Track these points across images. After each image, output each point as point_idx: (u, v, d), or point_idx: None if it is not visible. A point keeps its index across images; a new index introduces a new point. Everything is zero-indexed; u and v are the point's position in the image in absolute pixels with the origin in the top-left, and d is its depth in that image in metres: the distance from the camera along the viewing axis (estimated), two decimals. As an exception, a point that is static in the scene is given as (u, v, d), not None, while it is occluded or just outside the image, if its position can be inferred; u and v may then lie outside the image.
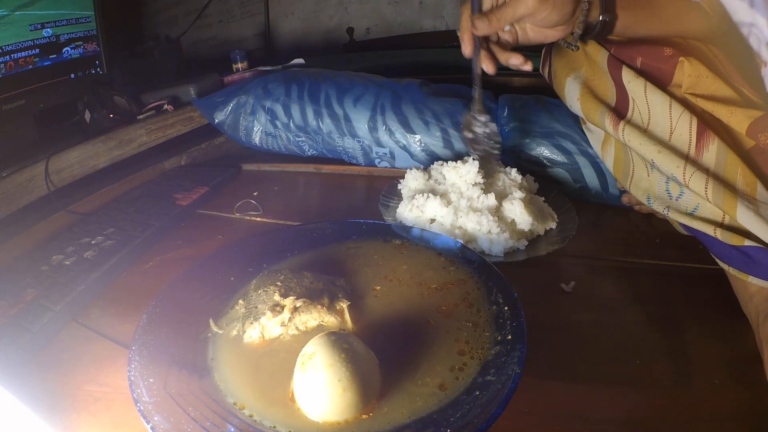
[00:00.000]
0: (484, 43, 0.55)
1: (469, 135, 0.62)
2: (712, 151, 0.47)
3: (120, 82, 0.98)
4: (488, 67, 0.54)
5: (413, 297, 0.48)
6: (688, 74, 0.50)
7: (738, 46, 0.51)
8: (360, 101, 0.85)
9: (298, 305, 0.43)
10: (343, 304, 0.45)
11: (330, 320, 0.44)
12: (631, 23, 0.52)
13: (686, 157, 0.48)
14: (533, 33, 0.54)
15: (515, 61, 0.54)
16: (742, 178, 0.45)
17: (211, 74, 1.09)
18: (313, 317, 0.43)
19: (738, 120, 0.46)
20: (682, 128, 0.49)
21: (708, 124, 0.48)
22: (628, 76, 0.53)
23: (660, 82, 0.52)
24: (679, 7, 0.52)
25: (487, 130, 0.61)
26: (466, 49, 0.55)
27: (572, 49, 0.55)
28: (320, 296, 0.45)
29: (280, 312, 0.43)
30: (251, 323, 0.42)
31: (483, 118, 0.60)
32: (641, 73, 0.53)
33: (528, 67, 0.53)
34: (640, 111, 0.52)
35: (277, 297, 0.44)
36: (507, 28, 0.53)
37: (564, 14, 0.49)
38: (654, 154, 0.50)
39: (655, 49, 0.53)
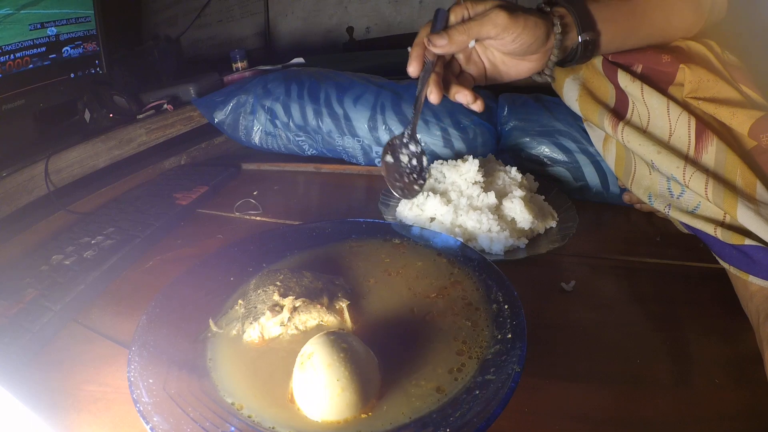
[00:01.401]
0: (439, 67, 0.47)
1: (389, 159, 0.50)
2: (712, 152, 0.47)
3: (120, 82, 0.98)
4: (432, 95, 0.46)
5: (413, 296, 0.48)
6: (689, 80, 0.49)
7: (739, 32, 0.50)
8: (360, 101, 0.85)
9: (297, 305, 0.43)
10: (343, 304, 0.45)
11: (329, 320, 0.44)
12: (616, 36, 0.50)
13: (686, 158, 0.48)
14: (505, 66, 0.49)
15: (462, 98, 0.47)
16: (741, 178, 0.45)
17: (211, 74, 1.09)
18: (313, 317, 0.43)
19: (740, 121, 0.46)
20: (681, 130, 0.48)
21: (707, 125, 0.48)
22: (624, 81, 0.52)
23: (662, 83, 0.51)
24: (663, 5, 0.50)
25: (414, 162, 0.50)
26: (410, 67, 0.47)
27: (549, 81, 0.51)
28: (320, 296, 0.45)
29: (279, 312, 0.43)
30: (251, 323, 0.42)
31: (414, 147, 0.50)
32: (641, 77, 0.52)
33: (477, 106, 0.47)
34: (639, 113, 0.52)
35: (276, 297, 0.44)
36: (471, 44, 0.46)
37: (536, 37, 0.45)
38: (653, 155, 0.50)
39: (654, 56, 0.52)
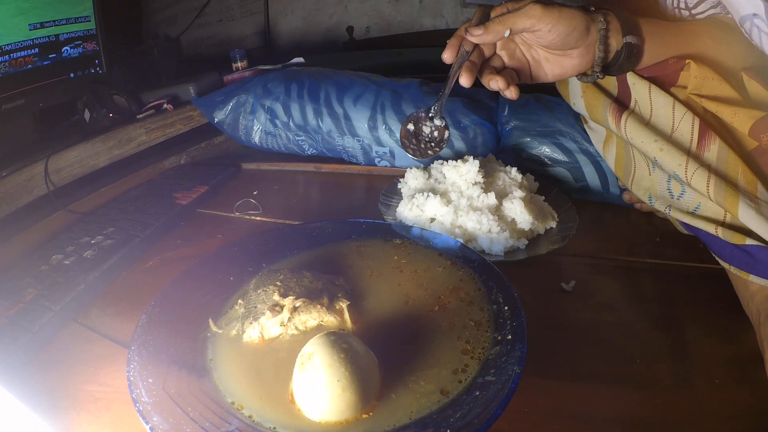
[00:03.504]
0: (476, 57, 0.49)
1: (411, 127, 0.54)
2: (713, 151, 0.47)
3: (119, 81, 0.98)
4: (464, 77, 0.47)
5: (413, 296, 0.48)
6: (694, 75, 0.49)
7: None
8: (360, 100, 0.85)
9: (297, 305, 0.43)
10: (343, 304, 0.44)
11: (329, 320, 0.44)
12: (661, 53, 0.49)
13: (688, 153, 0.48)
14: (549, 63, 0.49)
15: (495, 85, 0.47)
16: (742, 177, 0.45)
17: (211, 73, 1.08)
18: (313, 317, 0.43)
19: (741, 120, 0.46)
20: (684, 128, 0.48)
21: (710, 126, 0.48)
22: (632, 78, 0.52)
23: (665, 85, 0.51)
24: (713, 33, 0.49)
25: (436, 134, 0.53)
26: (446, 53, 0.48)
27: (598, 77, 0.50)
28: (320, 296, 0.45)
29: (279, 312, 0.42)
30: (250, 323, 0.42)
31: (438, 121, 0.53)
32: (647, 78, 0.52)
33: (511, 93, 0.47)
34: (641, 108, 0.52)
35: (276, 297, 0.43)
36: (506, 33, 0.47)
37: (573, 27, 0.45)
38: (656, 152, 0.49)
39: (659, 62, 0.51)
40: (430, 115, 0.53)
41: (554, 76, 0.51)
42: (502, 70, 0.50)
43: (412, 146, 0.54)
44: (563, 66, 0.49)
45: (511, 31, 0.46)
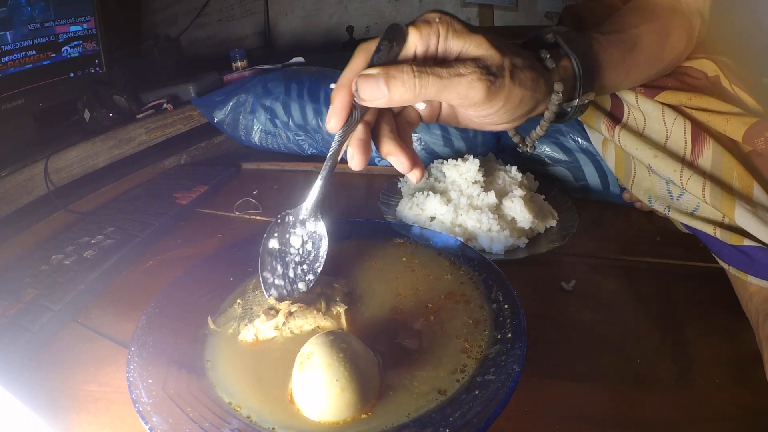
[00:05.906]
0: (372, 115, 0.33)
1: (274, 246, 0.35)
2: (708, 155, 0.47)
3: (119, 81, 0.98)
4: (353, 159, 0.33)
5: (413, 296, 0.48)
6: (676, 101, 0.49)
7: (735, 47, 0.49)
8: (360, 100, 0.85)
9: (293, 310, 0.42)
10: (340, 309, 0.44)
11: (326, 325, 0.43)
12: (616, 81, 0.45)
13: (682, 161, 0.48)
14: (465, 119, 0.39)
15: (395, 163, 0.34)
16: (738, 180, 0.45)
17: (211, 73, 1.09)
18: (308, 322, 0.43)
19: (733, 128, 0.46)
20: (677, 133, 0.48)
21: (703, 128, 0.48)
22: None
23: (650, 94, 0.51)
24: (656, 29, 0.47)
25: (309, 248, 0.35)
26: (330, 121, 0.32)
27: (525, 153, 0.44)
28: (316, 300, 0.44)
29: (274, 316, 0.42)
30: (245, 324, 0.42)
31: (312, 226, 0.35)
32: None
33: (414, 176, 0.35)
34: (635, 117, 0.52)
35: (272, 300, 0.43)
36: (421, 106, 0.35)
37: (515, 116, 0.36)
38: (650, 159, 0.50)
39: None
40: (301, 217, 0.36)
41: (468, 127, 0.40)
42: (400, 113, 0.37)
43: (277, 280, 0.35)
44: (482, 126, 0.39)
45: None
